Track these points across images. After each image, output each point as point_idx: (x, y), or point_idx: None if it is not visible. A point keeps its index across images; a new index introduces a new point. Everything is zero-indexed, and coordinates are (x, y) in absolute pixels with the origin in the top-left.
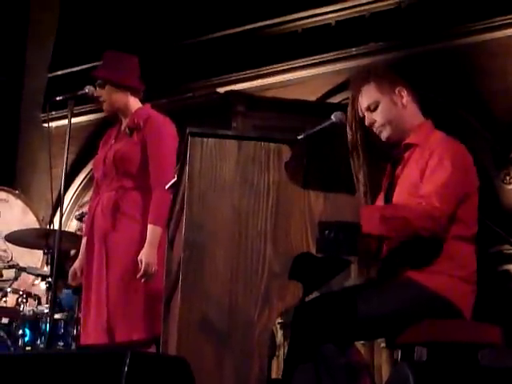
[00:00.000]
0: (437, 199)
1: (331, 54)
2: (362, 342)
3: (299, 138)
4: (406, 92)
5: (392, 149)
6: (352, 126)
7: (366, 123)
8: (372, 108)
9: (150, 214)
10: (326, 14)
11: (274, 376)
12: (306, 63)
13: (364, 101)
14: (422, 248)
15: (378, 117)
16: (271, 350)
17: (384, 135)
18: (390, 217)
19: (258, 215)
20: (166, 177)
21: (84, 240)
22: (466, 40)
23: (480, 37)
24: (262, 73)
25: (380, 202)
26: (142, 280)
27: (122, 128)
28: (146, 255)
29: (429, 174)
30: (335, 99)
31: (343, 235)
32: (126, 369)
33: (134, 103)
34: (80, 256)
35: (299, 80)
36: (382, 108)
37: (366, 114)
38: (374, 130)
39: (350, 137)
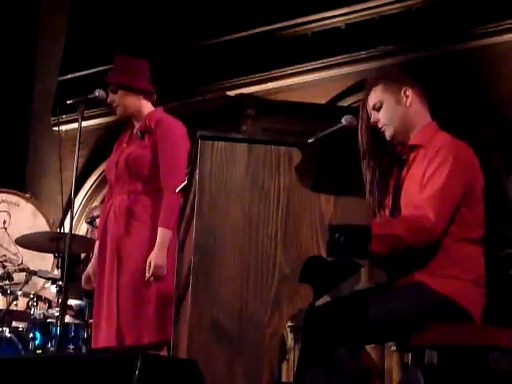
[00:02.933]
0: (432, 210)
1: (341, 57)
2: (372, 345)
3: (309, 141)
4: (411, 92)
5: (397, 150)
6: (361, 128)
7: (371, 121)
8: (377, 107)
9: (160, 217)
10: (336, 18)
11: (284, 379)
12: (315, 66)
13: (371, 100)
14: (430, 252)
15: (381, 116)
16: (281, 354)
17: (387, 134)
18: (383, 235)
19: (269, 219)
20: (177, 180)
21: (97, 244)
22: (475, 43)
23: (490, 39)
24: (271, 76)
25: (387, 204)
26: (151, 280)
27: (134, 132)
28: (156, 257)
29: (428, 179)
30: (345, 102)
31: (354, 238)
32: (138, 372)
33: (147, 107)
34: (93, 260)
35: (309, 83)
36: (385, 107)
37: (372, 112)
38: (379, 128)
39: (359, 138)
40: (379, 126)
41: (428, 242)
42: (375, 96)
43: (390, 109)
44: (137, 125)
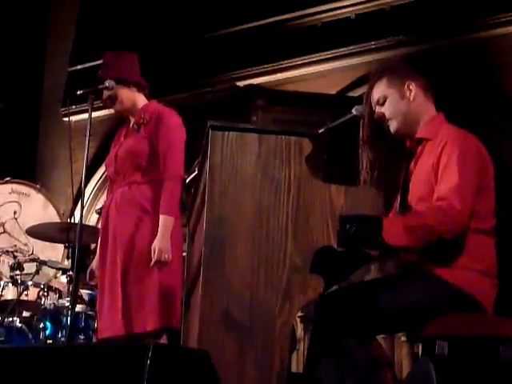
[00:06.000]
0: (456, 200)
1: (351, 47)
2: (382, 335)
3: (320, 131)
4: (414, 86)
5: (404, 143)
6: (364, 121)
7: (375, 116)
8: (381, 102)
9: (161, 205)
10: (346, 8)
11: (294, 369)
12: (325, 57)
13: (375, 95)
14: (442, 242)
15: (385, 110)
16: (292, 344)
17: (392, 129)
18: (414, 226)
19: (279, 209)
20: (177, 168)
21: (100, 238)
22: (486, 33)
23: (502, 30)
24: (281, 66)
25: (396, 197)
26: (156, 266)
27: (131, 125)
28: (159, 243)
29: (442, 171)
30: (355, 93)
31: (364, 229)
32: (149, 361)
33: (141, 100)
34: (97, 255)
35: (319, 74)
36: (389, 102)
37: (376, 107)
38: (384, 123)
39: (361, 131)
40: (384, 120)
41: (457, 231)
42: (379, 90)
43: (394, 104)
44: (132, 119)
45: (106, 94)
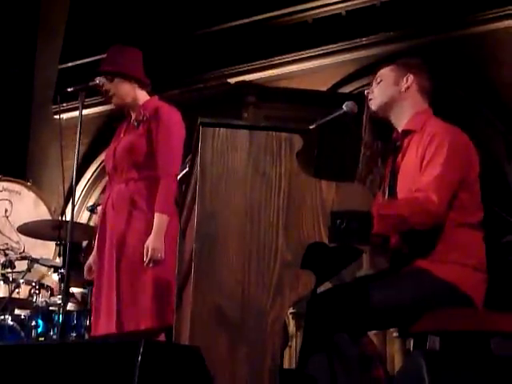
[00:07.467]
0: (433, 192)
1: (342, 43)
2: (374, 331)
3: (311, 127)
4: (412, 79)
5: (392, 136)
6: (365, 117)
7: (366, 92)
8: (378, 81)
9: (156, 203)
10: (337, 4)
11: (286, 366)
12: (316, 53)
13: (376, 75)
14: (431, 238)
15: (376, 88)
16: (284, 340)
17: (372, 106)
18: (386, 214)
19: (270, 205)
20: (173, 166)
21: (97, 234)
22: (477, 29)
23: (492, 25)
24: (272, 63)
25: (384, 189)
26: (149, 265)
27: (131, 121)
28: (153, 242)
29: (426, 163)
30: (346, 89)
31: (355, 224)
32: (140, 358)
33: (142, 96)
34: (94, 250)
35: (310, 70)
36: (383, 82)
37: (373, 85)
38: (368, 99)
39: (363, 126)
40: (369, 97)
41: (431, 224)
42: (381, 72)
43: (385, 85)
44: (133, 115)
45: (105, 87)
